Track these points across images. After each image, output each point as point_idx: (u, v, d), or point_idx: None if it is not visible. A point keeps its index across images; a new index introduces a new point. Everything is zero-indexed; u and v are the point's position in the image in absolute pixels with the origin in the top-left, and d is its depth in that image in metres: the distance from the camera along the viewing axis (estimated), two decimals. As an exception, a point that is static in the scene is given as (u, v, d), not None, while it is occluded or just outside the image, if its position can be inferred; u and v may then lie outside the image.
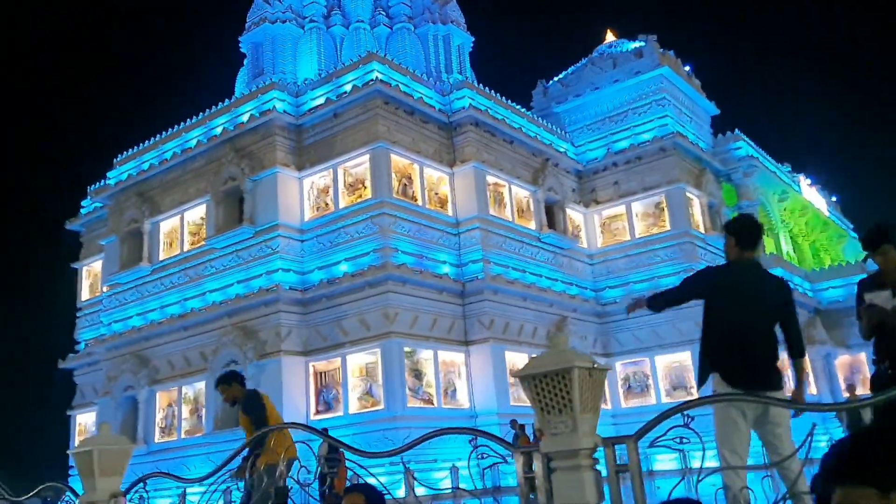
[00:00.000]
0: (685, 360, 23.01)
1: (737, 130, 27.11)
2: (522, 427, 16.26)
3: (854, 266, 27.46)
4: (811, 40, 67.21)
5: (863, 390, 18.95)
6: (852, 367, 27.24)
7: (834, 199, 38.07)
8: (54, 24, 59.59)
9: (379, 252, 18.58)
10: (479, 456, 3.10)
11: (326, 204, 20.20)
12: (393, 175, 19.43)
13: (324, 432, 3.93)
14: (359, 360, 18.70)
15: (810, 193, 32.68)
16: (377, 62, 20.09)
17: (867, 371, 25.38)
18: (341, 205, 19.74)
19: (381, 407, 17.81)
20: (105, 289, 24.63)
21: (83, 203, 28.01)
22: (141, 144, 24.57)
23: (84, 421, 25.62)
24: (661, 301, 4.81)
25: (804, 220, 32.17)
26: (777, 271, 24.71)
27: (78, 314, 26.98)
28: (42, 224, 48.02)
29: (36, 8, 59.78)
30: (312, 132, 20.81)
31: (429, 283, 19.10)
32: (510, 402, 19.52)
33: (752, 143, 27.57)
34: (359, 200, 19.43)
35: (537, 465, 2.88)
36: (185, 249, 22.09)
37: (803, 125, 62.29)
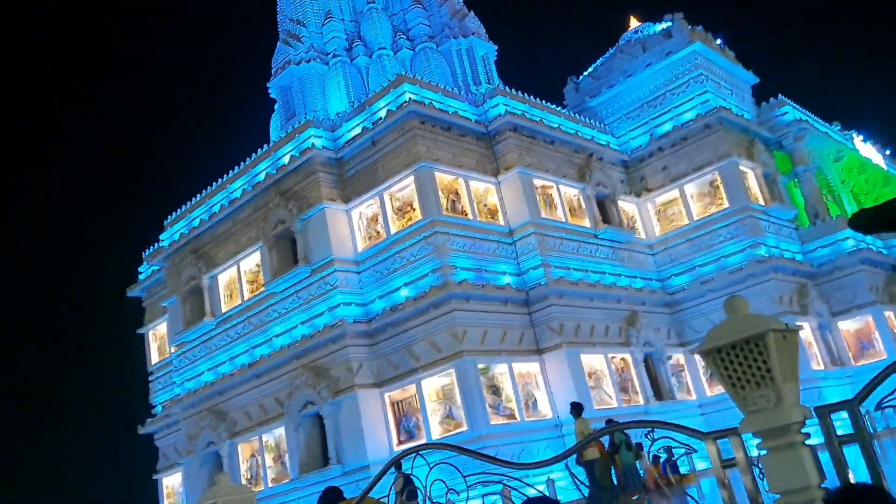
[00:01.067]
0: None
1: (780, 96, 26.26)
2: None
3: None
4: None
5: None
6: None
7: (888, 152, 36.59)
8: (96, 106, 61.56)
9: (437, 272, 18.31)
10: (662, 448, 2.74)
11: (378, 232, 20.05)
12: (440, 193, 19.20)
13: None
14: (434, 384, 18.38)
15: (866, 150, 31.40)
16: (408, 83, 19.99)
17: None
18: (392, 230, 19.58)
19: (464, 428, 17.43)
20: (173, 349, 24.88)
21: (140, 269, 28.48)
22: (189, 202, 24.91)
23: (171, 483, 25.80)
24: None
25: (864, 177, 30.88)
26: (846, 233, 23.76)
27: (150, 378, 27.32)
28: (105, 294, 49.14)
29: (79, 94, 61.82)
30: (353, 163, 20.76)
31: (492, 296, 18.74)
32: (594, 406, 18.93)
33: (798, 107, 26.65)
34: (409, 224, 19.23)
35: (736, 451, 2.51)
36: (246, 298, 22.17)
37: (846, 81, 60.22)
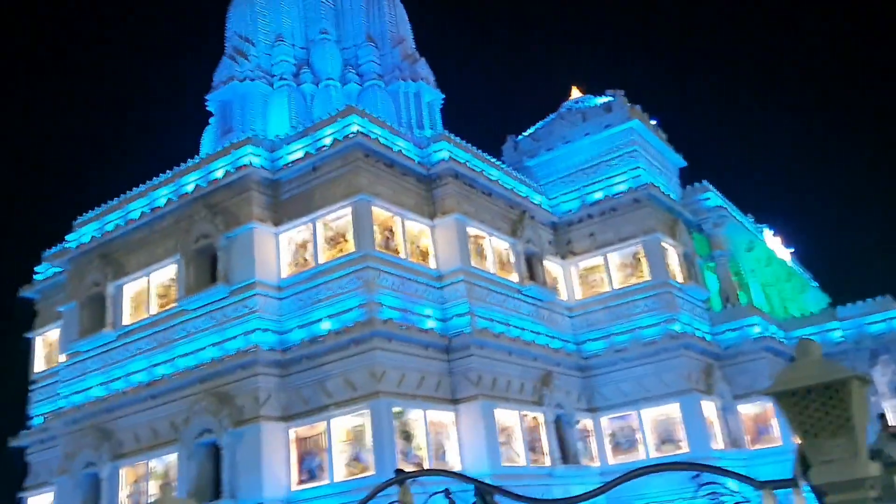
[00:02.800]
0: (674, 412, 22.60)
1: (704, 181, 27.55)
2: None
3: (825, 314, 27.79)
4: (767, 90, 70.08)
5: None
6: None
7: (792, 250, 38.87)
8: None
9: (364, 307, 17.87)
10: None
11: (305, 259, 19.48)
12: (375, 227, 18.90)
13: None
14: (345, 424, 17.70)
15: (774, 244, 33.28)
16: (356, 115, 19.80)
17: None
18: (322, 259, 19.06)
19: (371, 473, 16.77)
20: (63, 358, 23.12)
21: (37, 269, 26.59)
22: (102, 206, 23.56)
23: (38, 503, 23.65)
24: None
25: (770, 269, 32.63)
26: (754, 320, 24.83)
27: (31, 387, 25.25)
28: None
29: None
30: (289, 186, 20.23)
31: (416, 338, 18.40)
32: (501, 463, 18.69)
33: (719, 194, 28.00)
34: (340, 254, 18.78)
35: (796, 498, 2.28)
36: (153, 313, 20.97)
37: (761, 177, 64.34)
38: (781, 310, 33.02)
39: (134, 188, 22.92)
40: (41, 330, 25.84)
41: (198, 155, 23.05)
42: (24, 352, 26.28)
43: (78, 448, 20.84)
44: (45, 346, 25.67)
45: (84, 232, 23.41)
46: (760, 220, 33.39)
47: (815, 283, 39.61)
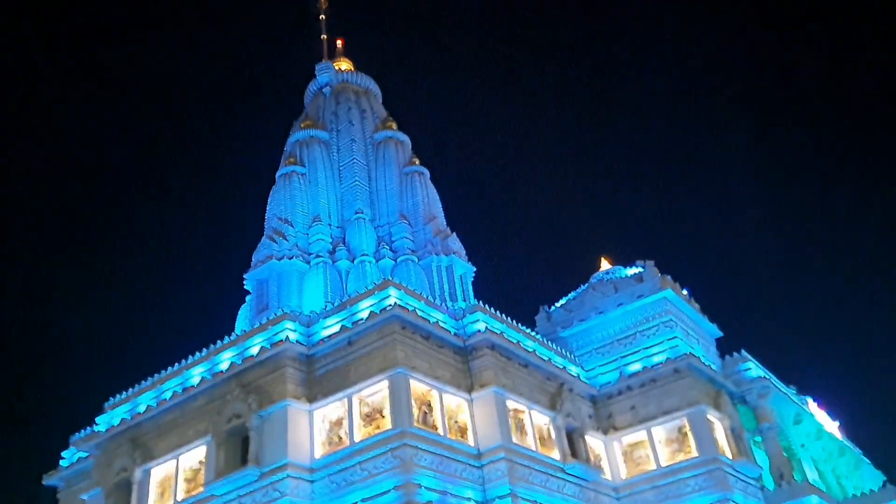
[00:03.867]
0: None
1: (743, 351, 26.92)
2: None
3: (888, 491, 25.94)
4: (798, 258, 70.44)
5: None
6: None
7: (837, 423, 37.11)
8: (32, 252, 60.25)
9: (401, 489, 16.94)
10: None
11: (340, 438, 18.81)
12: (413, 402, 18.38)
13: None
14: None
15: (821, 416, 31.84)
16: (393, 287, 20.00)
17: None
18: (357, 437, 18.38)
19: None
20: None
21: (63, 454, 25.91)
22: (133, 387, 23.29)
23: None
24: None
25: (821, 444, 30.95)
26: (812, 500, 23.15)
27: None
28: (18, 479, 44.27)
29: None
30: (325, 362, 20.02)
31: (457, 524, 17.24)
32: None
33: (760, 365, 27.26)
34: (377, 431, 18.12)
35: None
36: (180, 499, 20.03)
37: (799, 348, 63.01)
38: (837, 487, 30.92)
39: (167, 368, 22.79)
40: (61, 520, 24.70)
41: (233, 333, 23.16)
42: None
43: None
44: (64, 537, 24.39)
45: (115, 414, 23.00)
46: (802, 392, 32.24)
47: (867, 460, 37.33)
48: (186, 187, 71.39)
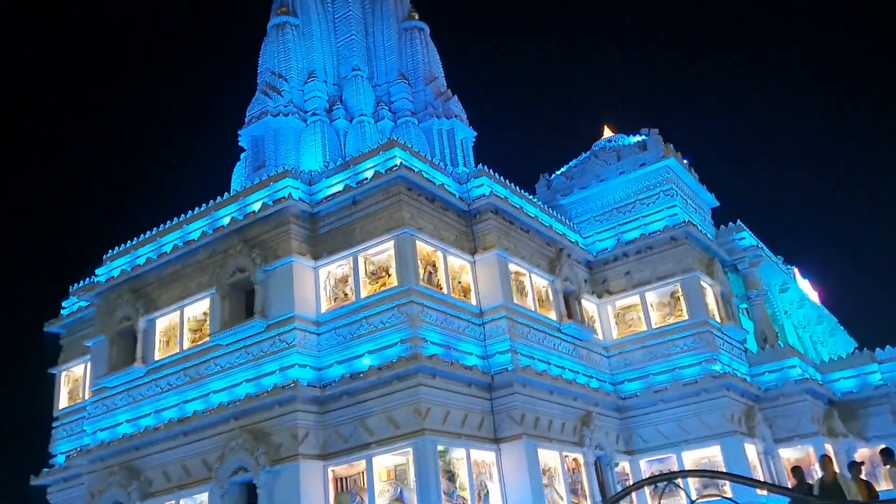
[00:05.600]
0: (715, 455, 21.93)
1: (738, 221, 27.24)
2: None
3: (863, 356, 27.17)
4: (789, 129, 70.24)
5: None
6: (872, 459, 26.40)
7: (816, 293, 38.34)
8: (30, 105, 58.69)
9: (407, 342, 17.41)
10: None
11: (346, 294, 19.10)
12: (419, 262, 18.56)
13: None
14: (386, 462, 17.12)
15: (804, 286, 32.82)
16: (399, 148, 19.65)
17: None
18: (363, 294, 18.67)
19: (414, 514, 16.14)
20: (89, 395, 22.61)
21: (64, 303, 26.23)
22: (133, 240, 23.30)
23: (58, 545, 22.90)
24: None
25: (802, 312, 32.12)
26: (794, 361, 24.26)
27: (54, 424, 24.65)
28: (18, 327, 44.96)
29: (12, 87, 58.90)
30: (328, 220, 19.96)
31: (460, 375, 17.90)
32: (547, 506, 18.00)
33: (753, 235, 27.68)
34: (383, 289, 18.40)
35: None
36: (186, 348, 20.53)
37: (789, 217, 64.03)
38: (814, 352, 32.40)
39: (165, 223, 22.69)
40: (66, 365, 25.36)
41: (228, 191, 22.90)
42: (43, 387, 25.77)
43: (104, 487, 20.19)
44: (70, 383, 25.16)
45: (114, 266, 23.10)
46: (789, 262, 33.03)
47: (842, 327, 38.97)
48: (173, 41, 68.19)
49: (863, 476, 13.35)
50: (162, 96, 66.35)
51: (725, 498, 21.72)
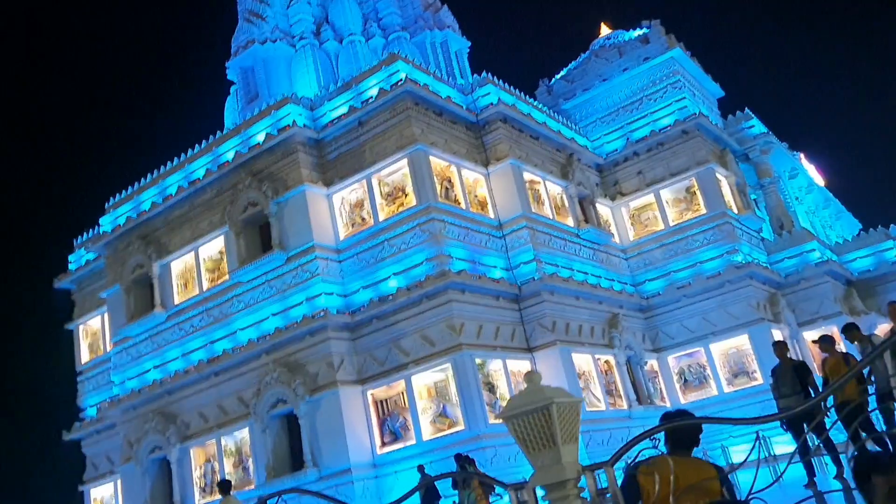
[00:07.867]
0: (743, 344, 22.06)
1: (747, 109, 26.68)
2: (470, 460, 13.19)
3: (878, 234, 27.12)
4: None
5: None
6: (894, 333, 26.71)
7: (821, 177, 38.14)
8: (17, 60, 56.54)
9: (433, 260, 17.13)
10: None
11: (363, 219, 18.68)
12: (435, 178, 18.08)
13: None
14: (425, 380, 17.09)
15: (810, 170, 32.54)
16: (402, 62, 18.87)
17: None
18: (381, 217, 18.26)
19: (460, 427, 16.21)
20: (111, 346, 22.42)
21: (71, 258, 25.74)
22: (135, 184, 22.67)
23: (100, 495, 23.16)
24: None
25: (811, 197, 31.94)
26: (812, 245, 24.18)
27: (79, 378, 24.55)
28: (27, 285, 44.37)
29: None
30: (336, 145, 19.35)
31: (488, 288, 17.71)
32: (587, 408, 18.13)
33: (761, 122, 27.18)
34: (402, 209, 17.98)
35: (528, 497, 3.37)
36: (205, 288, 20.20)
37: (789, 103, 62.97)
38: (824, 236, 32.40)
39: (166, 164, 22.02)
40: (82, 319, 25.08)
41: (222, 128, 22.14)
42: (60, 344, 25.57)
43: (142, 434, 20.22)
44: (88, 336, 24.94)
45: (118, 213, 22.55)
46: (793, 148, 32.63)
47: (848, 212, 38.94)
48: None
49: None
50: (146, 36, 63.93)
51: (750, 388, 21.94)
